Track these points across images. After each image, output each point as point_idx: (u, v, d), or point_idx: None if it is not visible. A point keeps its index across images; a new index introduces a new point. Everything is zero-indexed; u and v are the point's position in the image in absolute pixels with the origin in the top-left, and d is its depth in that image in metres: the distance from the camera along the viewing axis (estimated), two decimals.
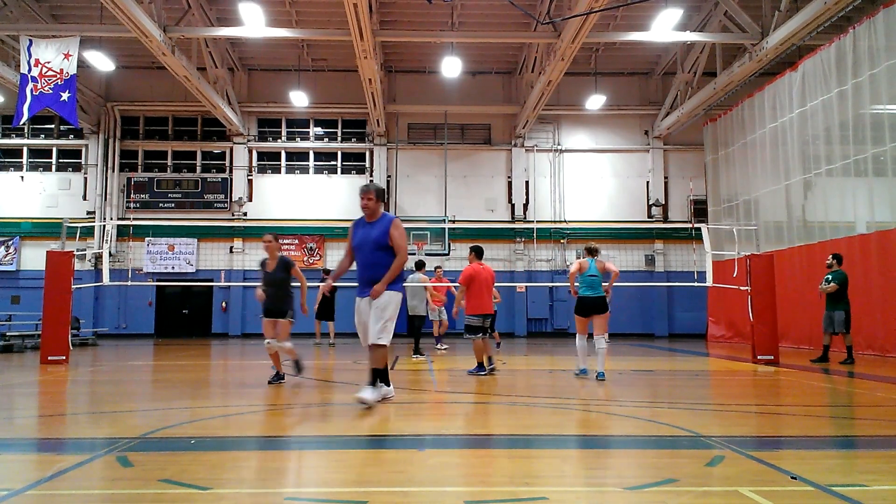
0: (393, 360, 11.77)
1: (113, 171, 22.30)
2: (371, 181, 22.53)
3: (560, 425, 5.23)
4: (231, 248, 22.16)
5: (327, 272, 17.24)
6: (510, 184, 22.80)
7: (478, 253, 9.16)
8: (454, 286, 13.92)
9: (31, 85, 14.60)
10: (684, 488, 3.15)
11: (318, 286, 5.87)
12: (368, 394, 5.73)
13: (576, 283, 8.45)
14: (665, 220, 22.67)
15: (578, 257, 9.06)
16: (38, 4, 18.10)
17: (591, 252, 8.70)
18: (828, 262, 11.52)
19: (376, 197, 5.95)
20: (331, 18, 17.93)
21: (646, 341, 20.04)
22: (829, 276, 11.28)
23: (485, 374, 8.80)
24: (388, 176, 22.65)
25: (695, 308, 21.41)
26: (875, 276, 12.84)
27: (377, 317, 5.67)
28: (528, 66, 20.39)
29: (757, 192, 17.87)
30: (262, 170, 22.90)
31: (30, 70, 14.65)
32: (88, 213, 21.95)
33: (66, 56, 14.75)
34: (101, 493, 3.18)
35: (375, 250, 5.79)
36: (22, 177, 22.40)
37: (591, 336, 8.47)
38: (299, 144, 23.00)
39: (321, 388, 7.58)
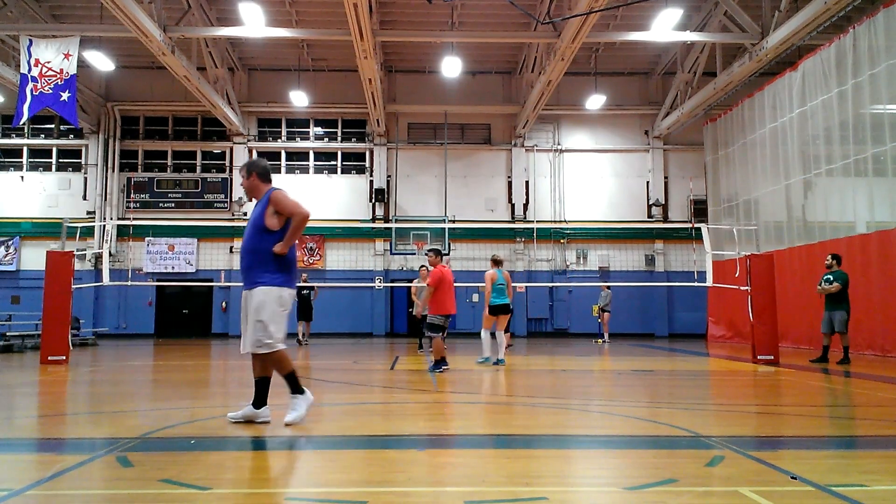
0: (393, 361, 11.76)
1: (113, 170, 22.31)
2: (371, 181, 22.60)
3: (560, 425, 5.23)
4: (231, 248, 22.15)
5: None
6: (510, 184, 22.80)
7: (436, 254, 9.56)
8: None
9: (31, 85, 14.60)
10: (684, 488, 3.15)
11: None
12: (300, 411, 4.77)
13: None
14: (665, 220, 22.67)
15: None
16: (38, 4, 18.10)
17: (498, 263, 10.47)
18: (827, 262, 11.30)
19: (247, 173, 4.84)
20: (331, 18, 17.93)
21: (646, 341, 20.04)
22: (830, 277, 11.03)
23: (441, 371, 9.03)
24: (388, 176, 22.65)
25: (695, 308, 21.41)
26: (875, 276, 12.83)
27: (252, 320, 4.62)
28: (528, 66, 20.39)
29: (757, 192, 17.87)
30: None
31: (30, 70, 14.65)
32: (88, 213, 21.96)
33: (66, 56, 14.76)
34: (101, 493, 3.18)
35: (253, 234, 4.69)
36: (22, 177, 22.41)
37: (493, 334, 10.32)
38: (299, 144, 23.00)
39: (320, 388, 7.57)
